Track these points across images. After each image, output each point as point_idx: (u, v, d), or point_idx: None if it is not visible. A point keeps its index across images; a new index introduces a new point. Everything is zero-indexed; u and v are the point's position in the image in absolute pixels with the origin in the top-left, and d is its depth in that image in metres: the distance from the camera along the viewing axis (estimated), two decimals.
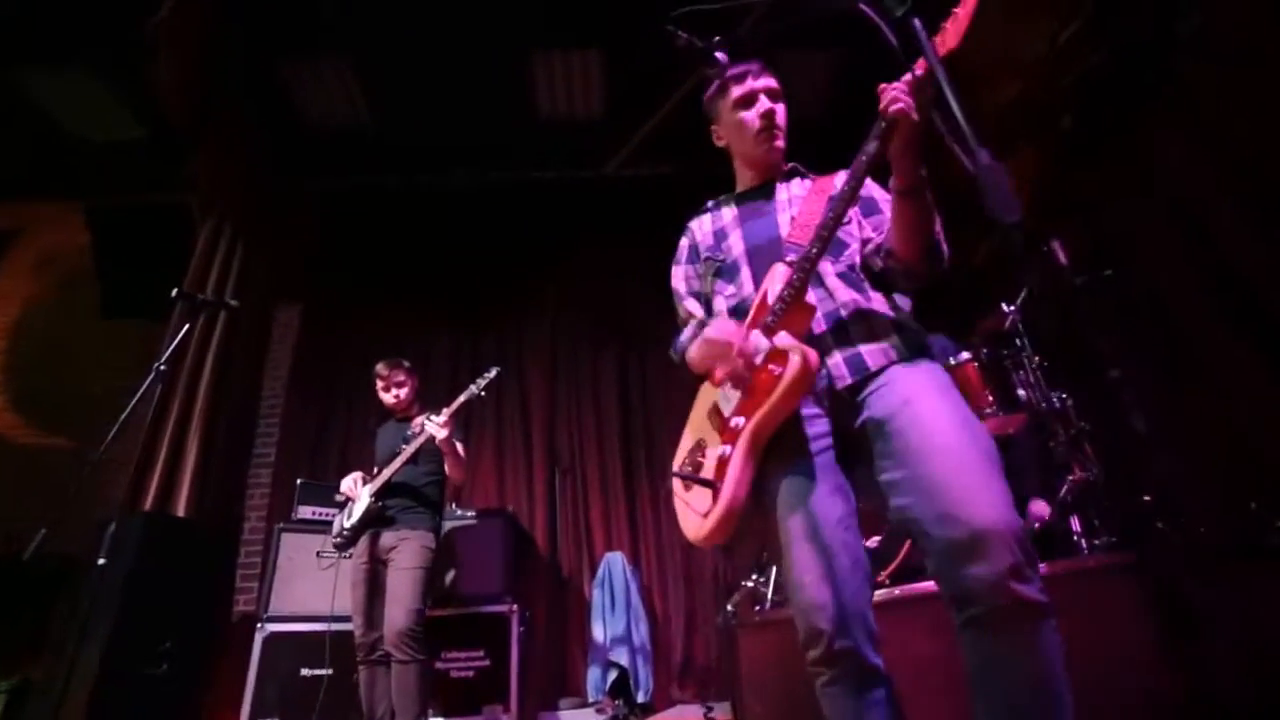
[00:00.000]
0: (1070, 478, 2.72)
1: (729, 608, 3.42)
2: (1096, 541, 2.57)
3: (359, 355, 4.57)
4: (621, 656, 3.68)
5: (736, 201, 1.62)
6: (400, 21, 3.80)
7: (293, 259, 4.77)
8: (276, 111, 4.33)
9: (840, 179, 1.48)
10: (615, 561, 4.08)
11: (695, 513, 1.28)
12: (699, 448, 1.38)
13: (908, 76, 1.14)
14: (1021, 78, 3.50)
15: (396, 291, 4.97)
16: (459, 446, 3.01)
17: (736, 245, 1.52)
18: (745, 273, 1.47)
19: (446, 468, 3.02)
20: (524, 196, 5.08)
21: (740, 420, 1.24)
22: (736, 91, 1.53)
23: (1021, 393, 2.94)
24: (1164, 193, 2.97)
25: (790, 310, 1.25)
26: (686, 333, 1.57)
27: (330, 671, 3.12)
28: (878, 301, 1.36)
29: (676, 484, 1.39)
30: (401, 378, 3.18)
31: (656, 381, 4.91)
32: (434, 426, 2.83)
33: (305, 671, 3.15)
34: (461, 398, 2.97)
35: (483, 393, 3.00)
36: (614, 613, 3.84)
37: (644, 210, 4.84)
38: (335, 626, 3.00)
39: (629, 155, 4.94)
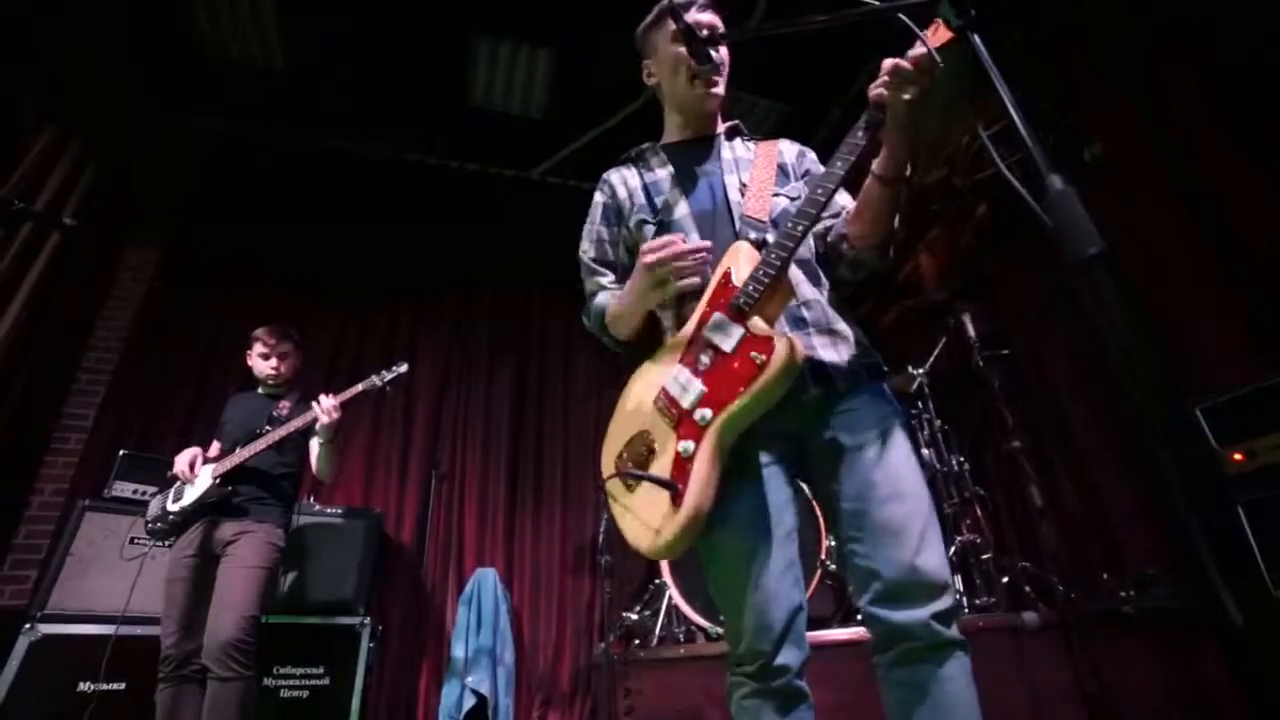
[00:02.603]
0: (959, 539, 2.86)
1: (609, 639, 3.22)
2: (977, 601, 2.70)
3: (223, 321, 4.00)
4: (482, 683, 3.33)
5: (669, 154, 1.45)
6: None
7: (159, 200, 4.15)
8: (170, 31, 3.74)
9: (787, 148, 1.44)
10: (487, 578, 3.74)
11: (645, 520, 1.12)
12: (642, 439, 1.20)
13: (890, 63, 1.08)
14: (947, 164, 3.75)
15: (281, 258, 4.37)
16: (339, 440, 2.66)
17: (679, 206, 1.36)
18: (694, 240, 1.30)
19: (313, 462, 2.62)
20: (441, 182, 4.78)
21: (707, 413, 1.10)
22: (678, 24, 1.36)
23: (924, 452, 3.13)
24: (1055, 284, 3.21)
25: (767, 294, 1.13)
26: (603, 296, 1.40)
27: (120, 686, 2.50)
28: (833, 300, 1.30)
29: (616, 485, 1.20)
30: (287, 348, 2.77)
31: (553, 399, 4.66)
32: (323, 410, 2.45)
33: (86, 686, 2.48)
34: (360, 387, 2.61)
35: (387, 388, 2.66)
36: (479, 634, 3.49)
37: (563, 222, 4.74)
38: (126, 630, 2.45)
39: (558, 164, 4.77)
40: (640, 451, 1.20)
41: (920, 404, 3.22)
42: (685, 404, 1.14)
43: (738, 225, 1.27)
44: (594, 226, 1.47)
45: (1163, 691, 2.00)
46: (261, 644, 2.27)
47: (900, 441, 1.16)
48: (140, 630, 2.46)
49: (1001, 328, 3.37)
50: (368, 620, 3.05)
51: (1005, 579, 2.71)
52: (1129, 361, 0.71)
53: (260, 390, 2.77)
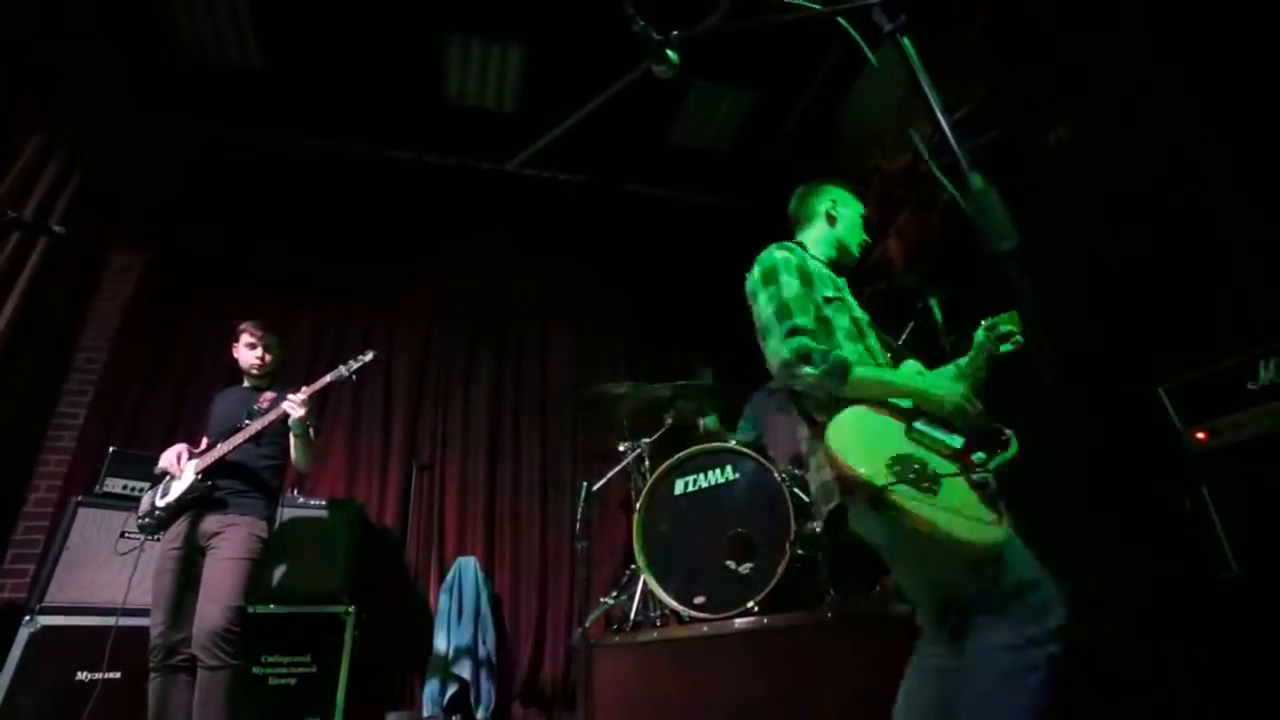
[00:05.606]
0: None
1: (587, 624, 3.33)
2: None
3: (207, 320, 4.12)
4: (464, 669, 3.47)
5: (830, 268, 1.81)
6: None
7: (143, 202, 4.24)
8: (150, 36, 3.82)
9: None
10: (467, 566, 3.87)
11: (973, 514, 1.38)
12: (910, 458, 1.42)
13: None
14: (911, 150, 3.83)
15: (263, 257, 4.46)
16: (311, 433, 2.74)
17: (855, 308, 1.71)
18: (873, 339, 1.70)
19: (292, 453, 2.73)
20: (417, 178, 4.86)
21: (982, 455, 1.49)
22: (867, 211, 1.92)
23: None
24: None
25: None
26: (842, 355, 1.52)
27: (117, 675, 2.62)
28: None
29: (906, 490, 1.38)
30: (273, 341, 2.88)
31: (530, 390, 4.77)
32: (291, 404, 2.55)
33: (84, 675, 2.62)
34: (328, 378, 2.70)
35: (353, 376, 2.75)
36: (460, 622, 3.63)
37: (541, 214, 4.95)
38: (125, 621, 2.57)
39: (533, 156, 4.86)
40: (913, 468, 1.39)
41: None
42: (955, 445, 1.48)
43: (883, 341, 1.73)
44: (791, 277, 1.63)
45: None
46: (249, 633, 2.39)
47: None
48: (132, 622, 2.58)
49: (968, 311, 3.43)
50: (352, 609, 3.17)
51: None
52: (1037, 347, 0.82)
53: (245, 383, 2.87)
